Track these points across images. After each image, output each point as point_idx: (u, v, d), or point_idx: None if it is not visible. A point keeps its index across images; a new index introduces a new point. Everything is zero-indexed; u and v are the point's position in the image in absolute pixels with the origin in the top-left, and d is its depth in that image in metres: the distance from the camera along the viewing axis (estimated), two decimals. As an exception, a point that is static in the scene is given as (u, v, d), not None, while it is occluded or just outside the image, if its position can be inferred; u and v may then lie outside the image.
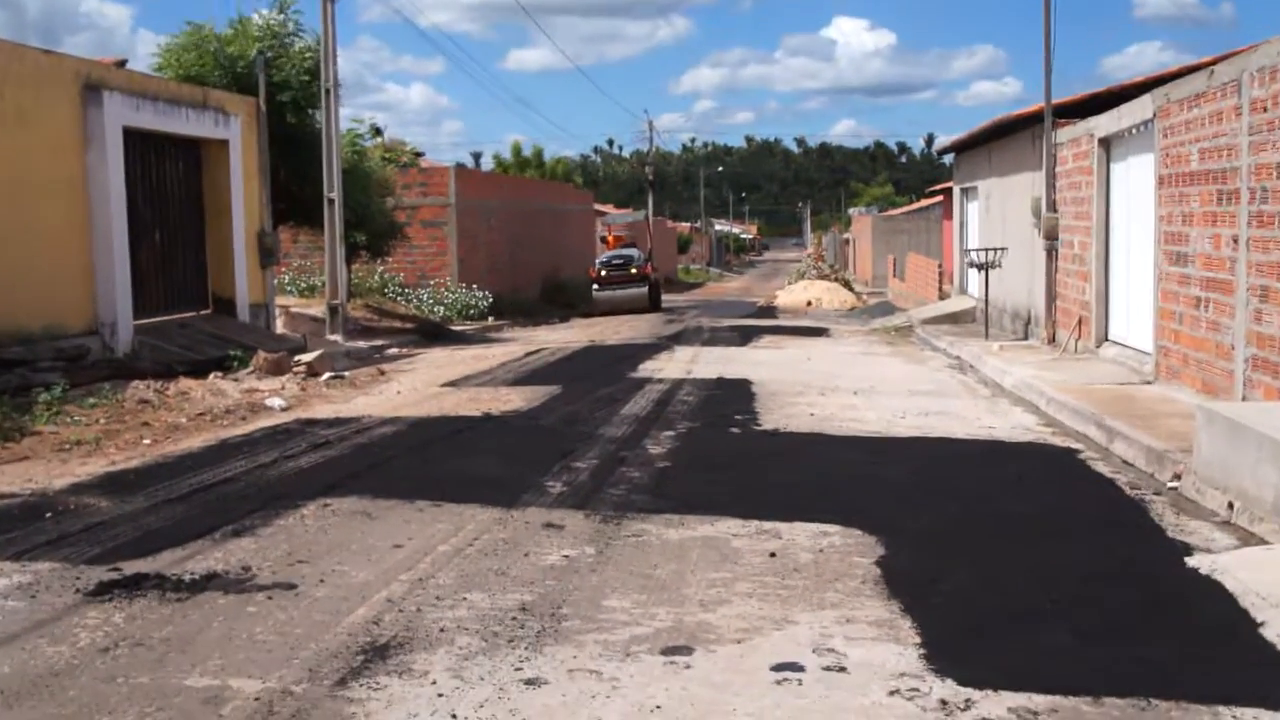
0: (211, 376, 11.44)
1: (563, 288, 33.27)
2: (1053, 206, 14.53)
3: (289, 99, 16.61)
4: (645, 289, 29.35)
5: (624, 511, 5.95)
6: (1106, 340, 12.70)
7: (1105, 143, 12.65)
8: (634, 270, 29.58)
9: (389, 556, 5.10)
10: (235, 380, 11.42)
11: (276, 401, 10.15)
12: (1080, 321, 13.33)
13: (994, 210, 19.01)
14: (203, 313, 14.45)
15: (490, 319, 24.23)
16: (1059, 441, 8.22)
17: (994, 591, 4.56)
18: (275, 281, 18.42)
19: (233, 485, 6.65)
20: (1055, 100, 14.58)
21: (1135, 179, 11.75)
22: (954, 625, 4.14)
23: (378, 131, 25.45)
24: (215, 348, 12.77)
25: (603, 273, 29.60)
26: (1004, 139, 17.86)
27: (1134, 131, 11.71)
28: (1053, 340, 14.52)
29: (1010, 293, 17.43)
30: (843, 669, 3.71)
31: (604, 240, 37.22)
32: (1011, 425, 8.99)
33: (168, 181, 13.91)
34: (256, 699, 3.47)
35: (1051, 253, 14.62)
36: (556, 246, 34.64)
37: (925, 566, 4.91)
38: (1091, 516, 5.88)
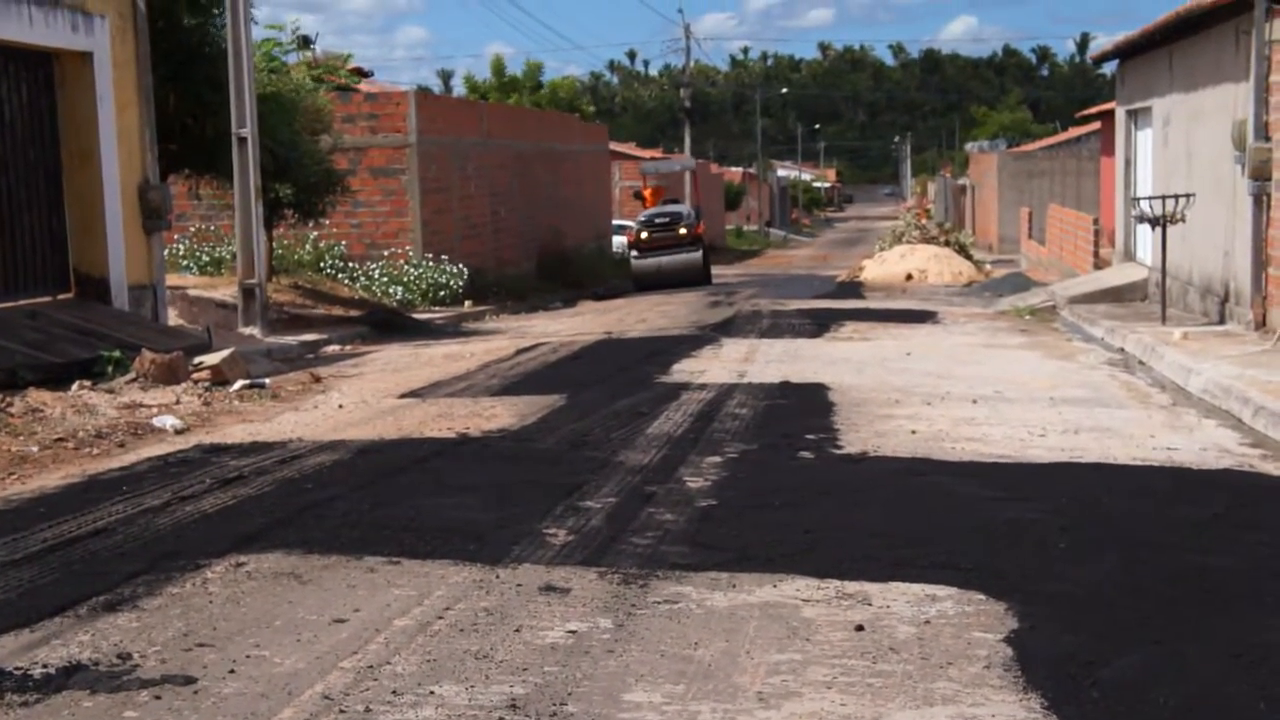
0: (75, 386, 11.50)
1: (567, 260, 33.36)
2: (1265, 133, 14.40)
3: None
4: (699, 254, 30.85)
5: (652, 568, 5.95)
6: (1340, 324, 12.59)
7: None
8: (683, 231, 30.96)
9: (327, 635, 5.11)
10: (110, 392, 11.45)
11: (169, 421, 10.21)
12: (1301, 297, 13.22)
13: (1175, 141, 18.86)
14: (61, 298, 14.55)
15: (467, 304, 24.35)
16: (1272, 468, 8.14)
17: (1176, 683, 4.51)
18: (166, 253, 18.53)
19: (106, 539, 6.68)
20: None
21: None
22: (1117, 727, 4.10)
23: (306, 42, 25.55)
24: (80, 346, 12.86)
25: (643, 235, 30.97)
26: (1192, 37, 17.72)
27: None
28: (1262, 324, 14.39)
29: (1198, 258, 17.29)
30: (960, 789, 3.69)
31: (639, 196, 37.43)
32: (1201, 446, 8.92)
33: (2, 112, 13.98)
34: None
35: (1261, 200, 14.50)
36: (558, 202, 34.71)
37: (1076, 646, 4.87)
38: (1313, 573, 5.81)
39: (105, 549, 6.45)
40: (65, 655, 4.93)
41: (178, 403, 11.15)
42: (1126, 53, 22.14)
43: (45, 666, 4.81)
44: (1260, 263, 14.51)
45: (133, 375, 12.03)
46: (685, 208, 33.14)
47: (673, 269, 30.61)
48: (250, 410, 11.11)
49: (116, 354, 12.53)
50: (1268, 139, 14.35)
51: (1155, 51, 19.92)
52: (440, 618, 5.29)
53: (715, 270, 35.54)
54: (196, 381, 12.03)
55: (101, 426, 9.94)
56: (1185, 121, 18.27)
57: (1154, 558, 6.04)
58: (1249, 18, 14.55)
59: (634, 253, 31.46)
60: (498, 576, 5.86)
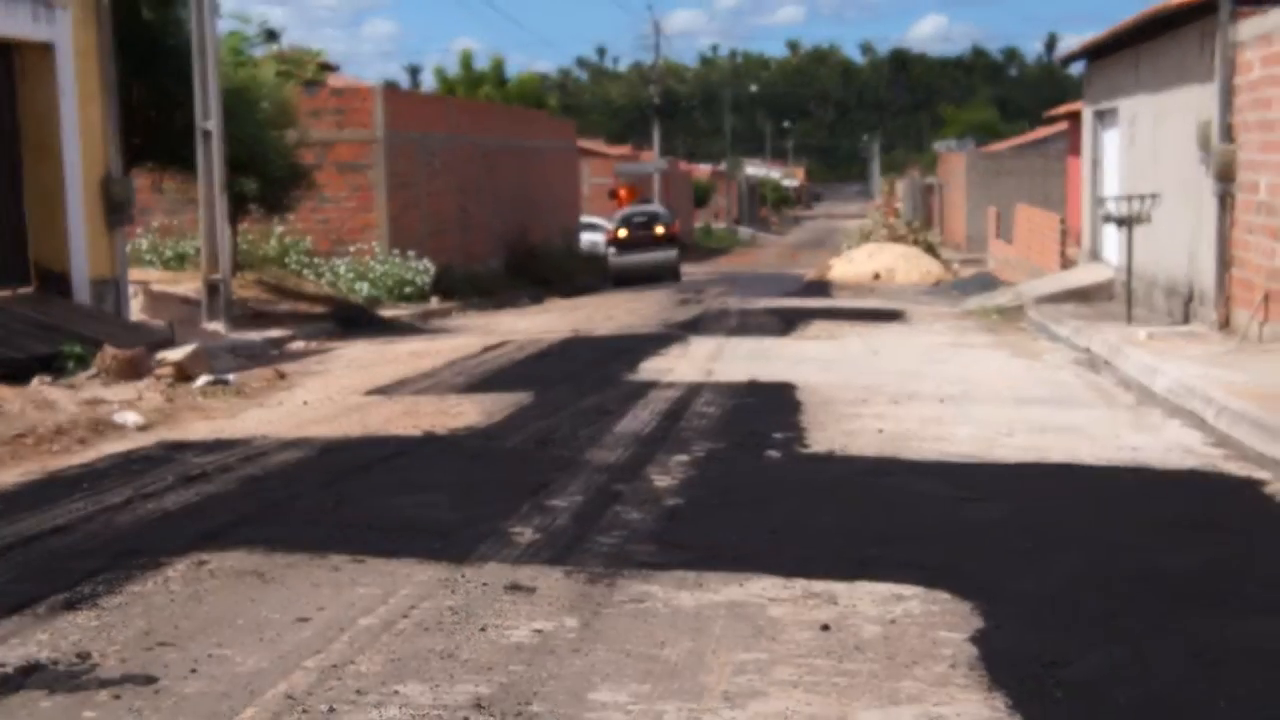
0: (35, 382, 11.42)
1: (535, 256, 33.36)
2: (1229, 134, 14.52)
3: None
4: (674, 252, 33.33)
5: (619, 567, 5.96)
6: (1303, 324, 12.71)
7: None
8: (660, 230, 33.39)
9: (290, 634, 5.10)
10: (70, 387, 11.38)
11: (130, 417, 10.15)
12: (1268, 298, 13.32)
13: (1142, 141, 19.00)
14: (21, 292, 14.43)
15: (434, 300, 24.28)
16: (1235, 469, 8.20)
17: (1139, 682, 4.55)
18: (129, 248, 18.40)
19: (66, 536, 6.64)
20: (1239, -22, 14.56)
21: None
22: (1081, 726, 4.13)
23: (272, 36, 25.51)
24: (40, 341, 12.76)
25: (622, 233, 33.50)
26: (1159, 39, 17.85)
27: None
28: (1226, 325, 14.52)
29: (1164, 258, 17.42)
30: (924, 789, 3.70)
31: (614, 195, 38.47)
32: (1165, 445, 8.98)
33: (-40, 104, 13.86)
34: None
35: (1226, 200, 14.62)
36: (526, 199, 34.67)
37: (1040, 645, 4.90)
38: None
39: (65, 547, 6.41)
40: (23, 655, 4.89)
41: (140, 399, 11.08)
42: (1094, 53, 22.29)
43: (2, 666, 4.77)
44: (1224, 263, 14.64)
45: (94, 371, 11.96)
46: (661, 208, 35.40)
47: (649, 266, 32.53)
48: (214, 407, 11.05)
49: (78, 349, 12.45)
50: (1232, 140, 14.47)
51: (1122, 53, 20.06)
52: (405, 616, 5.28)
53: (684, 268, 36.40)
54: (159, 377, 11.95)
55: (62, 423, 9.86)
56: (1151, 122, 18.42)
57: (1118, 557, 6.08)
58: (1214, 20, 14.68)
59: (612, 249, 33.45)
60: (463, 575, 5.85)
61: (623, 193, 38.05)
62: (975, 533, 6.56)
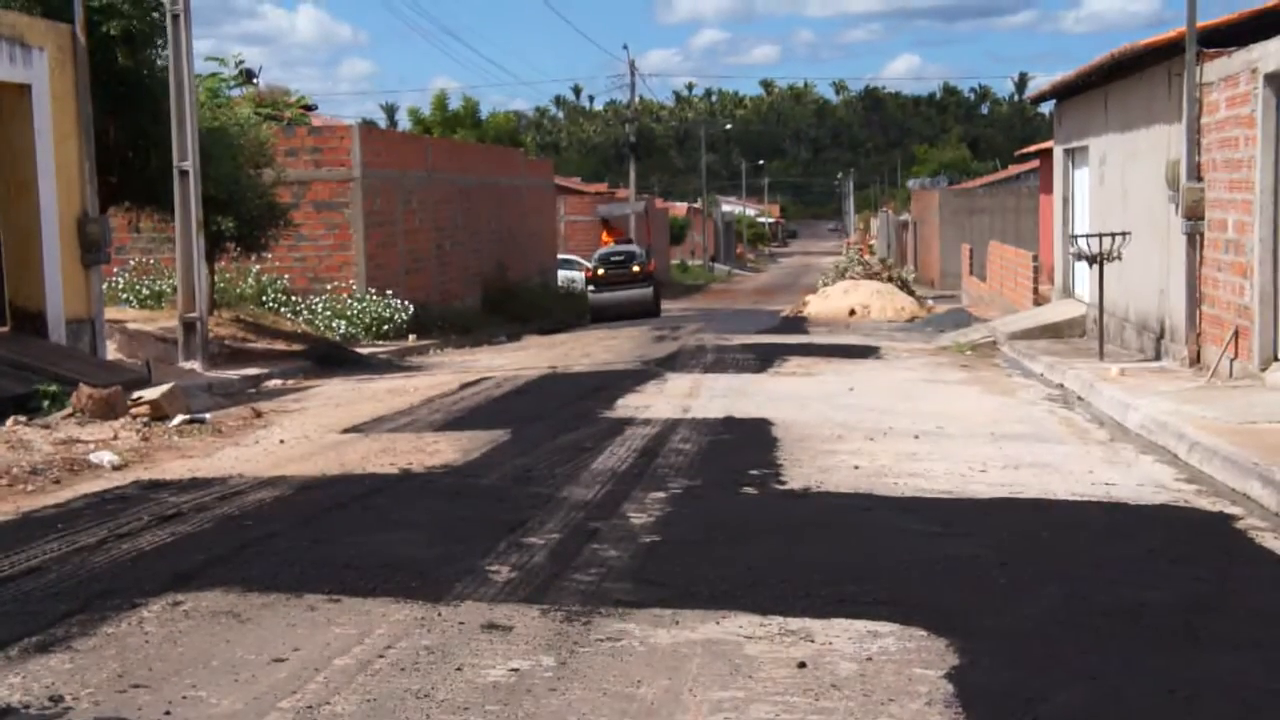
0: (10, 422, 11.36)
1: (512, 294, 33.41)
2: (1197, 173, 14.66)
3: (118, 29, 16.50)
4: (649, 290, 34.98)
5: (595, 605, 5.94)
6: (1277, 360, 12.78)
7: (1275, 80, 12.76)
8: (636, 268, 35.16)
9: (265, 675, 5.06)
10: (45, 427, 11.33)
11: (106, 457, 10.09)
12: (1237, 334, 13.42)
13: (1112, 180, 19.16)
14: (-3, 331, 14.38)
15: (411, 338, 24.25)
16: (1206, 504, 8.24)
17: (1114, 718, 4.55)
18: (105, 287, 18.34)
19: (39, 578, 6.58)
20: (1201, 22, 14.71)
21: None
22: (1057, 763, 4.13)
23: (249, 76, 25.54)
24: (15, 380, 12.70)
25: (600, 271, 35.25)
26: (1127, 79, 18.04)
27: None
28: (1196, 361, 14.60)
29: (1135, 295, 17.54)
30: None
31: (608, 228, 40.82)
32: (1138, 481, 9.01)
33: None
34: None
35: (1195, 238, 14.73)
36: (503, 237, 34.77)
37: (1016, 681, 4.90)
38: (1257, 609, 5.88)
39: (38, 588, 6.35)
40: (-4, 697, 4.83)
41: (115, 438, 11.03)
42: (1063, 93, 22.49)
43: (-25, 709, 4.72)
44: (1194, 300, 14.74)
45: (70, 410, 11.90)
46: (637, 248, 36.73)
47: (627, 302, 34.03)
48: (190, 446, 11.00)
49: (53, 389, 12.39)
50: (1200, 179, 14.60)
51: (1091, 92, 20.25)
52: (381, 656, 5.24)
53: (661, 305, 36.79)
54: (135, 417, 11.90)
55: (37, 463, 9.80)
56: (1121, 161, 18.57)
57: (1092, 593, 6.09)
58: (1181, 60, 14.83)
59: (591, 287, 35.02)
60: (439, 614, 5.82)
61: (604, 234, 39.53)
62: (951, 569, 6.56)
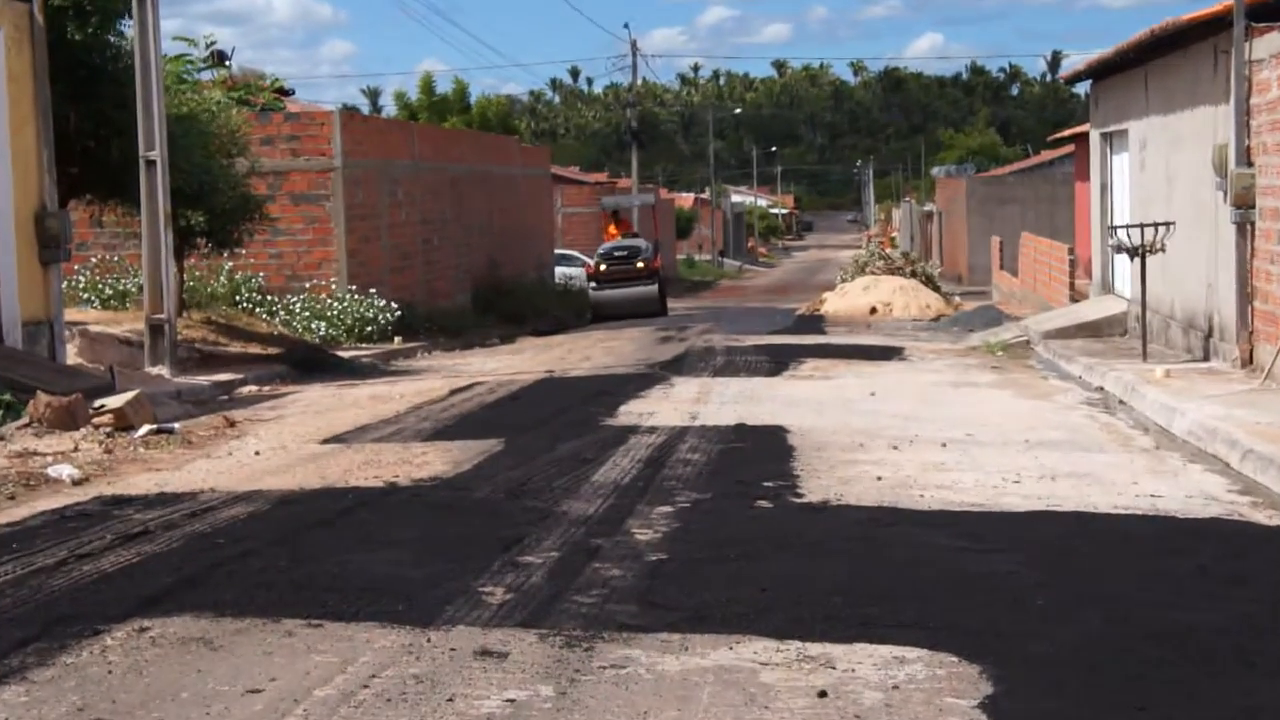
0: (-35, 433, 11.34)
1: (506, 292, 33.44)
2: (1246, 158, 14.62)
3: (70, 2, 16.44)
4: (654, 287, 34.94)
5: (598, 629, 5.92)
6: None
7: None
8: (640, 264, 35.04)
9: (239, 707, 5.04)
10: (0, 438, 11.28)
11: (66, 470, 10.08)
12: (1291, 332, 13.40)
13: (1153, 166, 19.14)
14: (-52, 335, 14.36)
15: (397, 340, 24.24)
16: (1262, 517, 8.21)
17: (1162, 747, 4.52)
18: (65, 286, 18.33)
19: (-2, 600, 6.56)
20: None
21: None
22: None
23: (221, 58, 25.48)
24: (-28, 389, 12.68)
25: (602, 268, 35.21)
26: (1169, 57, 18.01)
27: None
28: (1249, 361, 14.57)
29: (1180, 291, 17.51)
30: None
31: (615, 221, 40.20)
32: (1186, 492, 9.00)
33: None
34: None
35: (1245, 228, 14.71)
36: (496, 231, 34.78)
37: (1056, 711, 4.87)
38: (1310, 629, 5.85)
39: (-6, 613, 6.33)
40: (-54, 733, 4.81)
41: (76, 450, 11.02)
42: (1099, 73, 22.48)
43: (-76, 746, 4.69)
44: (1245, 295, 14.70)
45: (26, 420, 11.89)
46: (643, 242, 36.58)
47: (630, 301, 33.97)
48: (157, 458, 10.99)
49: (7, 397, 12.39)
50: (1250, 164, 14.56)
51: (1130, 71, 20.23)
52: (365, 686, 5.22)
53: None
54: (97, 426, 11.89)
55: (-8, 477, 9.78)
56: (1163, 145, 18.54)
57: (1138, 614, 6.06)
58: (1228, 36, 14.78)
59: (593, 284, 35.11)
60: (429, 640, 5.80)
61: (611, 227, 39.18)
62: (983, 588, 6.54)
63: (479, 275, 32.88)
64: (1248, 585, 6.61)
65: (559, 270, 42.19)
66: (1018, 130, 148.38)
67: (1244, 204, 14.57)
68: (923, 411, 13.05)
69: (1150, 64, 18.97)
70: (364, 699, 5.09)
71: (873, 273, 37.88)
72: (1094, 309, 21.82)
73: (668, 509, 8.49)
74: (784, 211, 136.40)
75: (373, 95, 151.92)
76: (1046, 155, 59.74)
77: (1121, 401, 13.71)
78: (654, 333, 26.82)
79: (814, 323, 30.80)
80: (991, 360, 19.19)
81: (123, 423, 12.03)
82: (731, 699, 5.06)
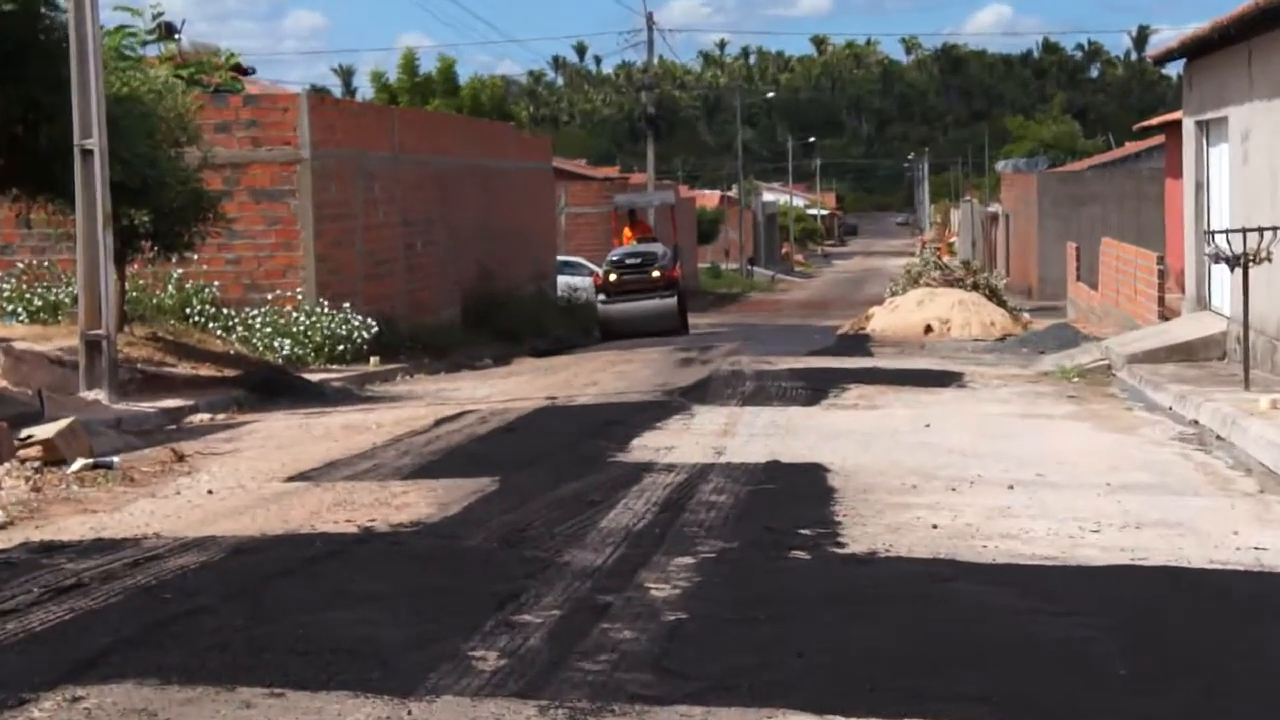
0: (-128, 468, 11.37)
1: (500, 306, 33.45)
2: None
3: None
4: (673, 300, 34.45)
5: (606, 701, 5.92)
6: None
7: None
8: (656, 274, 34.59)
9: (187, 789, 5.04)
10: (-85, 474, 11.33)
11: (-10, 511, 10.09)
12: None
13: (1258, 160, 19.12)
14: None
15: (374, 361, 24.27)
16: (1386, 575, 8.17)
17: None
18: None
19: (-93, 663, 6.58)
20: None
21: None
22: None
23: (170, 31, 25.55)
24: (-118, 416, 12.73)
25: (613, 277, 34.84)
26: (1277, 32, 17.98)
27: None
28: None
29: (1290, 307, 17.46)
30: None
31: (630, 222, 38.92)
32: (1295, 545, 8.96)
33: None
34: None
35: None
36: (489, 234, 34.80)
37: (1143, 799, 4.86)
38: None
39: (-98, 679, 6.35)
40: None
41: None
42: (1194, 51, 22.48)
43: None
44: (1366, 314, 14.68)
45: (-57, 453, 11.91)
46: (660, 248, 36.17)
47: (644, 316, 33.60)
48: (94, 498, 11.00)
49: (-78, 425, 12.40)
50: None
51: (1231, 49, 20.22)
52: (335, 767, 5.23)
53: (689, 319, 36.56)
54: (24, 461, 11.91)
55: (-98, 518, 9.81)
56: (1270, 136, 18.52)
57: (1239, 689, 6.04)
58: (1347, 9, 14.80)
59: (601, 297, 34.81)
60: (409, 712, 5.80)
61: (627, 230, 38.51)
62: (1057, 657, 6.52)
63: (469, 286, 32.91)
64: (1368, 654, 6.60)
65: (562, 280, 42.24)
66: (1097, 118, 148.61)
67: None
68: (985, 447, 13.03)
69: (1255, 40, 18.96)
70: (333, 781, 5.11)
71: (928, 285, 37.83)
72: (1187, 328, 21.78)
73: (688, 560, 8.48)
74: (824, 213, 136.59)
75: (346, 75, 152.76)
76: (1131, 148, 59.82)
77: (1219, 437, 13.67)
78: (672, 353, 26.81)
79: (859, 343, 30.77)
80: (1067, 388, 19.15)
81: (54, 456, 12.05)
82: (762, 784, 5.07)
